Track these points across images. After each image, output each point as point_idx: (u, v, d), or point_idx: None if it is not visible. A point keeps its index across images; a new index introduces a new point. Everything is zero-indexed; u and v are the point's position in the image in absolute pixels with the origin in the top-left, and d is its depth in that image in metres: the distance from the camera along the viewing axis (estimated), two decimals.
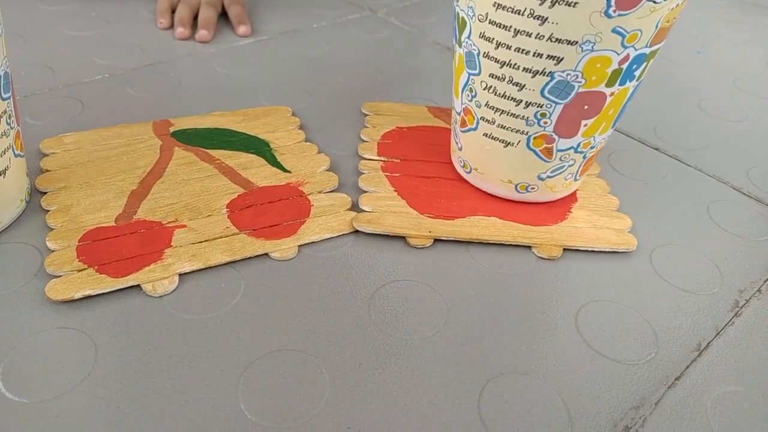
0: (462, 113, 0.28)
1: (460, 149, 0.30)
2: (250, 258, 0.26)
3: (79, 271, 0.24)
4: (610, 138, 0.36)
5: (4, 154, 0.25)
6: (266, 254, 0.26)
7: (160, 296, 0.24)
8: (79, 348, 0.22)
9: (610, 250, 0.27)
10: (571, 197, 0.30)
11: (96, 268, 0.24)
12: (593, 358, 0.23)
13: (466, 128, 0.28)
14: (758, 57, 0.49)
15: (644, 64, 0.24)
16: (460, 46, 0.27)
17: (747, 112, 0.41)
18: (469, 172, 0.30)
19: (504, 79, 0.25)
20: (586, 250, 0.28)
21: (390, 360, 0.22)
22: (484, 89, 0.26)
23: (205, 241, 0.26)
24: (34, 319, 0.23)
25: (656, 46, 0.24)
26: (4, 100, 0.24)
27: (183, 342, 0.22)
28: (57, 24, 0.45)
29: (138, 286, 0.24)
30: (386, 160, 0.32)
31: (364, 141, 0.33)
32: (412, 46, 0.46)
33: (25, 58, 0.40)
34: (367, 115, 0.36)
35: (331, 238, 0.27)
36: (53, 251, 0.25)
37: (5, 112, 0.25)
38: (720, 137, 0.38)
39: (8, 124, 0.25)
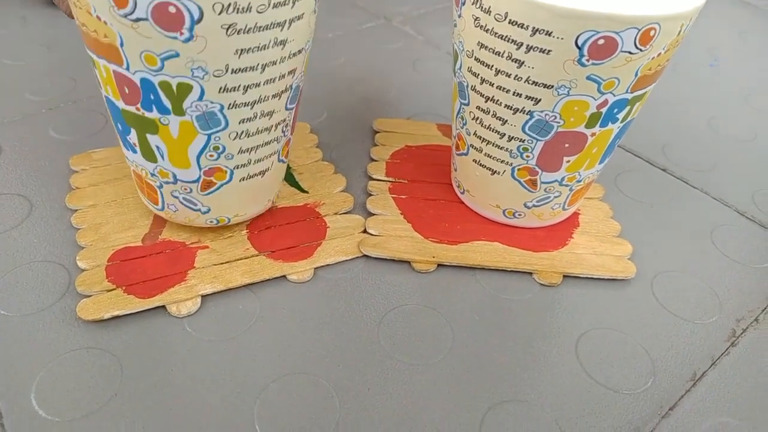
0: (456, 138, 0.30)
1: (456, 170, 0.31)
2: (267, 280, 0.27)
3: (108, 291, 0.26)
4: (618, 158, 0.37)
5: (269, 157, 0.27)
6: (283, 276, 0.27)
7: (183, 317, 0.25)
8: (107, 368, 0.23)
9: (610, 277, 0.28)
10: (573, 222, 0.31)
11: (124, 288, 0.26)
12: (591, 387, 0.24)
13: (460, 152, 0.30)
14: None
15: (627, 107, 0.25)
16: (454, 75, 0.28)
17: (757, 131, 0.41)
18: (463, 193, 0.31)
19: (489, 113, 0.26)
20: (587, 277, 0.29)
21: (397, 385, 0.24)
22: (472, 119, 0.27)
23: (226, 262, 0.27)
24: (64, 338, 0.24)
25: (640, 91, 0.24)
26: (287, 110, 0.26)
27: (203, 363, 0.24)
28: (79, 34, 0.46)
29: (163, 306, 0.25)
30: (394, 180, 0.33)
31: (373, 160, 0.34)
32: (426, 57, 0.47)
33: (48, 68, 0.41)
34: (377, 132, 0.37)
35: (344, 260, 0.28)
36: (83, 270, 0.26)
37: (284, 120, 0.26)
38: (728, 157, 0.38)
39: (283, 132, 0.26)
